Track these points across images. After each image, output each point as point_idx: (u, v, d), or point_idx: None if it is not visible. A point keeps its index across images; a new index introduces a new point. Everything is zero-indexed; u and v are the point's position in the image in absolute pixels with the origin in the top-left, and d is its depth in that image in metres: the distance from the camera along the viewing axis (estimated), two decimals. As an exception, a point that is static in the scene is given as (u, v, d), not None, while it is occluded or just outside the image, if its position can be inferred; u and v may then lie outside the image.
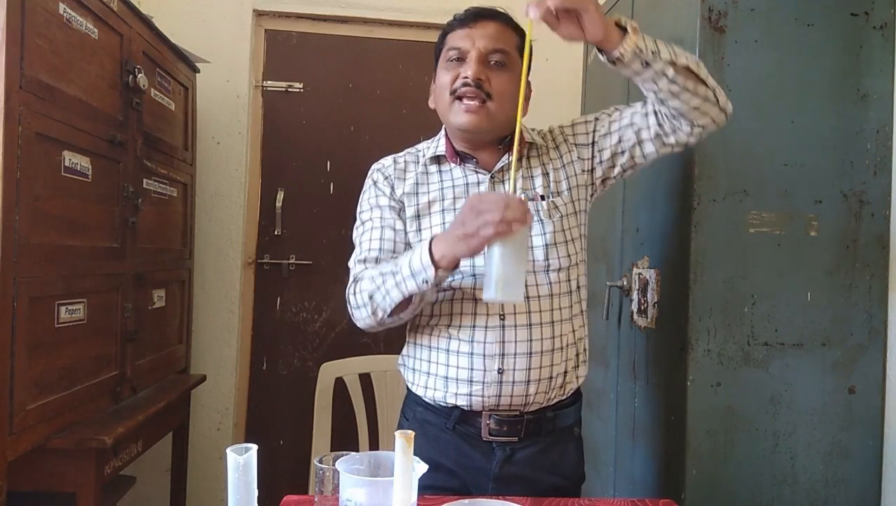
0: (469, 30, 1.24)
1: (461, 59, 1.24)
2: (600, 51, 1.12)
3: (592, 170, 1.32)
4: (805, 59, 1.47)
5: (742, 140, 1.45)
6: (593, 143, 1.31)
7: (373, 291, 1.19)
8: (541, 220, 1.25)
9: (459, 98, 1.23)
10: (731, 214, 1.45)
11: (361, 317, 1.24)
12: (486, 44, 1.23)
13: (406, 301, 1.17)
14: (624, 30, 1.08)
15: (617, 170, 1.31)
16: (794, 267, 1.46)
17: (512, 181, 1.12)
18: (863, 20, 1.48)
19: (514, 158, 1.11)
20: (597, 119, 1.32)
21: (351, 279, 1.27)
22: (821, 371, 1.46)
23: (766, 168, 1.46)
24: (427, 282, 1.11)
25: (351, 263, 1.30)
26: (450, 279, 1.24)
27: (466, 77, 1.21)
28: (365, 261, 1.27)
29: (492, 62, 1.23)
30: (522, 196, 1.18)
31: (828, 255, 1.47)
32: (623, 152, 1.28)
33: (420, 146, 1.38)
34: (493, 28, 1.24)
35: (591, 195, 1.35)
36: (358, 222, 1.34)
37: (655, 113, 1.22)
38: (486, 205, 1.03)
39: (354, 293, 1.24)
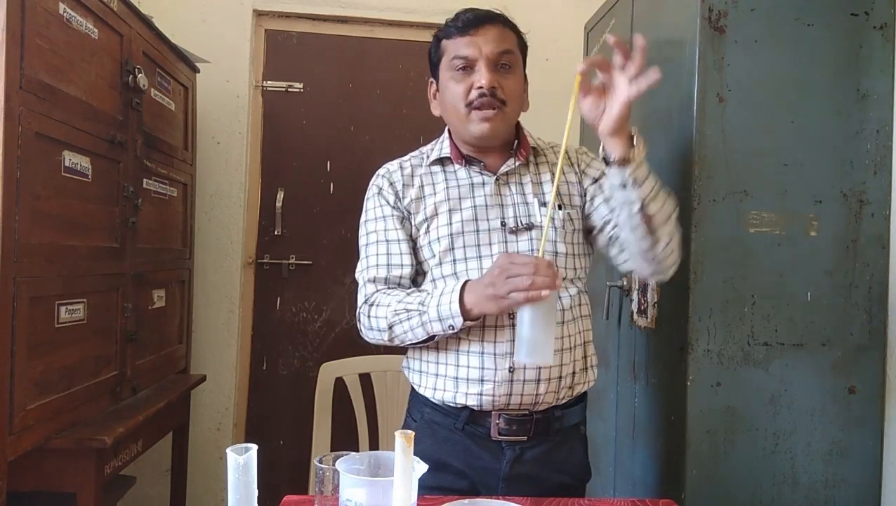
0: (471, 37, 1.23)
1: (468, 68, 1.24)
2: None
3: (583, 205, 1.33)
4: (805, 58, 1.47)
5: (742, 140, 1.45)
6: (592, 183, 1.32)
7: (393, 322, 1.21)
8: (554, 228, 1.25)
9: (476, 108, 1.23)
10: (731, 214, 1.45)
11: (374, 337, 1.28)
12: (493, 48, 1.23)
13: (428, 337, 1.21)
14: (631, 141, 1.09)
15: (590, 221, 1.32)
16: (794, 267, 1.46)
17: (542, 247, 1.12)
18: (863, 20, 1.48)
19: (545, 223, 1.13)
20: None
21: (362, 299, 1.28)
22: (821, 371, 1.46)
23: (766, 168, 1.45)
24: (453, 329, 1.16)
25: (359, 278, 1.31)
26: None
27: (482, 87, 1.21)
28: (374, 281, 1.28)
29: (500, 65, 1.24)
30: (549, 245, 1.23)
31: (828, 255, 1.47)
32: (593, 213, 1.31)
33: (424, 149, 1.38)
34: (494, 32, 1.24)
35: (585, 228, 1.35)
36: (362, 231, 1.33)
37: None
38: (516, 269, 1.06)
39: (369, 316, 1.25)
